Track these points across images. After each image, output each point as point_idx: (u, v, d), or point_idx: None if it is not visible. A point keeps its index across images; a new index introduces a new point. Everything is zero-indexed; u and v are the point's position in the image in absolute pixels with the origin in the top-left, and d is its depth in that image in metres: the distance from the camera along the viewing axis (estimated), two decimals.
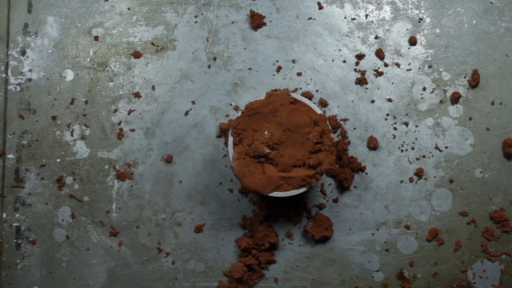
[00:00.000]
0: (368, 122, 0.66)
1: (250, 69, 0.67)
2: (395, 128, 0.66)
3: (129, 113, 0.67)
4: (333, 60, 0.67)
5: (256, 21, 0.67)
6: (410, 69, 0.66)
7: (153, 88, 0.67)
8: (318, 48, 0.67)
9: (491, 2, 0.67)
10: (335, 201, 0.66)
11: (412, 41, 0.66)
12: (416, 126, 0.66)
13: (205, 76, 0.67)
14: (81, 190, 0.66)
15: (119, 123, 0.67)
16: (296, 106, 0.57)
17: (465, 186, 0.66)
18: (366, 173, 0.66)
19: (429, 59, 0.66)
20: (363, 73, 0.66)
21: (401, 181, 0.66)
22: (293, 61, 0.67)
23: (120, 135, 0.66)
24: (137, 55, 0.67)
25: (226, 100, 0.67)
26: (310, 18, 0.67)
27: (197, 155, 0.66)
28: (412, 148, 0.66)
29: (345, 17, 0.67)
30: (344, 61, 0.67)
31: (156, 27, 0.67)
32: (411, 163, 0.66)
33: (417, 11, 0.67)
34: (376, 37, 0.67)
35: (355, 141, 0.66)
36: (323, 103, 0.66)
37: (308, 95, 0.66)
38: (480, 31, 0.67)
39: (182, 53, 0.67)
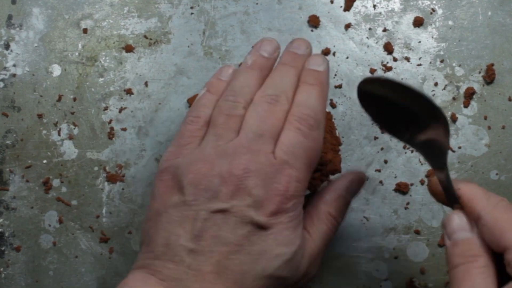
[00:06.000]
0: None
1: None
2: None
3: (120, 111, 0.65)
4: (338, 54, 0.64)
5: None
6: (420, 64, 0.64)
7: (146, 84, 0.65)
8: (322, 42, 0.64)
9: None
10: None
11: (418, 22, 0.64)
12: None
13: (201, 72, 0.65)
14: (69, 193, 0.64)
15: (110, 122, 0.64)
16: None
17: None
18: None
19: (441, 53, 0.64)
20: (370, 68, 0.64)
21: (411, 184, 0.63)
22: None
23: (111, 135, 0.64)
24: (129, 49, 0.65)
25: None
26: (313, 9, 0.64)
27: None
28: None
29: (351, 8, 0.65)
30: (350, 56, 0.64)
31: (149, 19, 0.65)
32: (422, 165, 0.63)
33: (429, 2, 0.64)
34: (385, 30, 0.64)
35: (362, 141, 0.64)
36: None
37: None
38: (495, 23, 0.64)
39: (177, 47, 0.65)
